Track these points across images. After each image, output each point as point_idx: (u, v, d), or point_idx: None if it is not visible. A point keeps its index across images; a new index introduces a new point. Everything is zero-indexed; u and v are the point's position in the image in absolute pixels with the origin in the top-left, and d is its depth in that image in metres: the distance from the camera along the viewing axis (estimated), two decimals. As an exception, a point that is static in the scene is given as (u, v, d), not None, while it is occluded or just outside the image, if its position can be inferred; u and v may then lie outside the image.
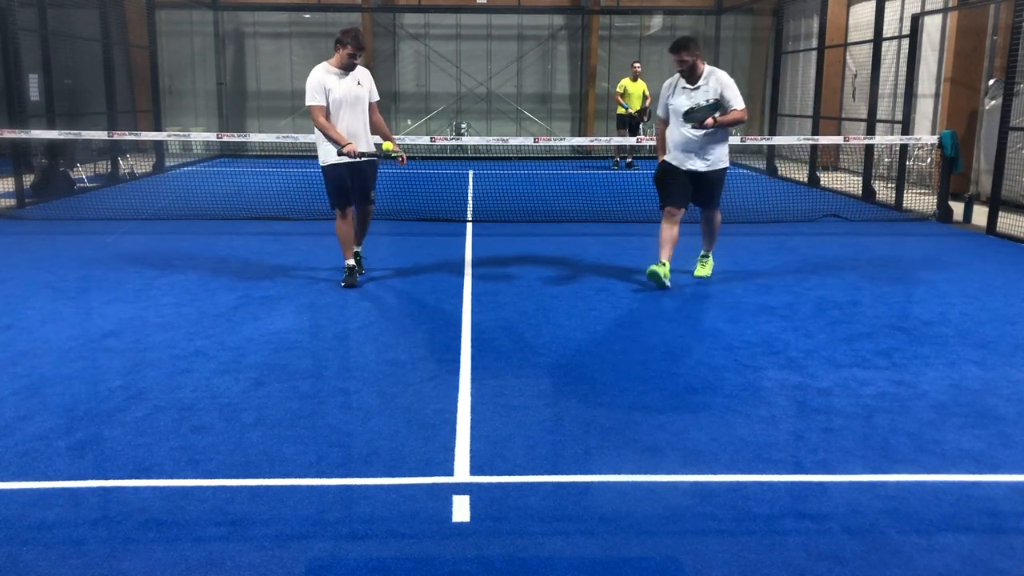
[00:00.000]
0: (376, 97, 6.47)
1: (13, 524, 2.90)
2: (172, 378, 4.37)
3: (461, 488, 3.20)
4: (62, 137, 10.42)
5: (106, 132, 10.46)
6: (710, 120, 6.10)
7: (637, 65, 16.11)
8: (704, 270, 6.89)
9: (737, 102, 6.22)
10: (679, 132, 6.32)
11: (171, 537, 2.82)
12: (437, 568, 2.66)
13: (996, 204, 9.17)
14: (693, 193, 6.48)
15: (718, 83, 6.22)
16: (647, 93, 15.84)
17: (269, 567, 2.65)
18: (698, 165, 6.37)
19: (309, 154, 17.20)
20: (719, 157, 6.39)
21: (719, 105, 6.13)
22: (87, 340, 5.04)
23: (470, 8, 18.12)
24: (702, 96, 6.21)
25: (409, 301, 6.09)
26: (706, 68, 6.28)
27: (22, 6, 11.16)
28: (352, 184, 6.32)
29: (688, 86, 6.30)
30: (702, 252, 6.97)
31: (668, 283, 6.35)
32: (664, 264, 6.39)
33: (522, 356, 4.80)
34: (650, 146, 17.64)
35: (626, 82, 15.94)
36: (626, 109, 15.80)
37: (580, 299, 6.13)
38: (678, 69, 6.25)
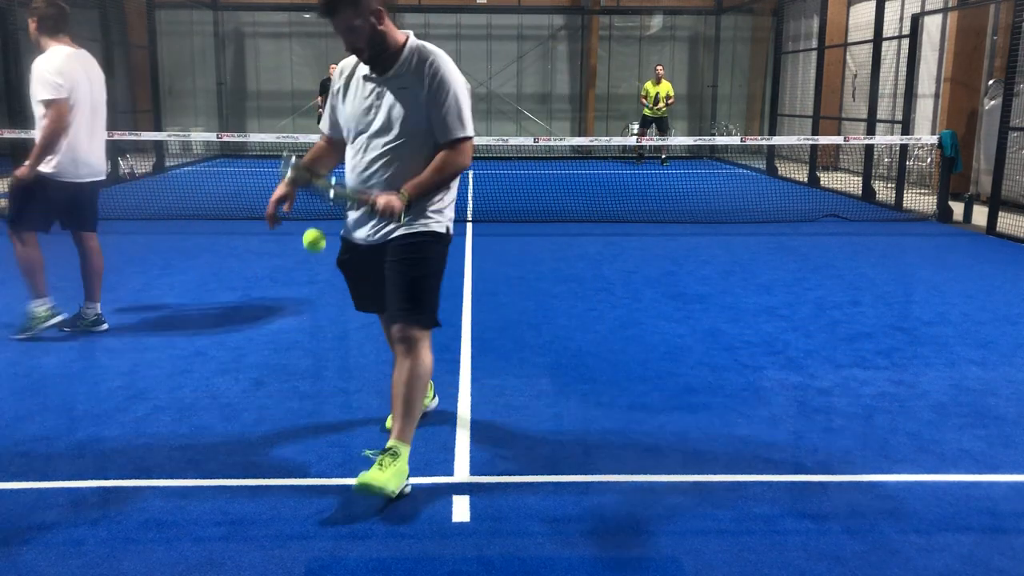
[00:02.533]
0: (38, 96, 4.86)
1: (13, 524, 2.90)
2: (172, 378, 4.37)
3: (461, 488, 3.20)
4: (62, 137, 10.39)
5: (106, 132, 10.43)
6: (380, 201, 3.01)
7: (660, 68, 16.51)
8: (382, 474, 3.02)
9: (453, 127, 3.08)
10: (350, 161, 3.27)
11: (171, 537, 2.82)
12: (437, 568, 2.66)
13: (996, 204, 9.17)
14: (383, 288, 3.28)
15: (433, 77, 3.07)
16: (670, 94, 16.32)
17: (269, 567, 2.65)
18: (368, 233, 3.25)
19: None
20: (415, 215, 3.17)
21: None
22: (87, 340, 5.03)
23: (470, 8, 18.12)
24: (395, 92, 3.11)
25: (409, 301, 6.07)
26: (410, 43, 3.13)
27: (22, 6, 11.16)
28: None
29: (373, 76, 3.16)
30: (391, 442, 3.17)
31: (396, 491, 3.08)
32: (393, 449, 3.16)
33: (522, 356, 4.80)
34: (679, 145, 17.88)
35: (648, 85, 16.46)
36: (650, 108, 16.39)
37: (580, 299, 6.13)
38: (347, 47, 3.11)
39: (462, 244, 8.29)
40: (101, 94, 5.18)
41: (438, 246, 3.24)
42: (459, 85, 3.10)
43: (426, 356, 3.27)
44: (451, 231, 3.31)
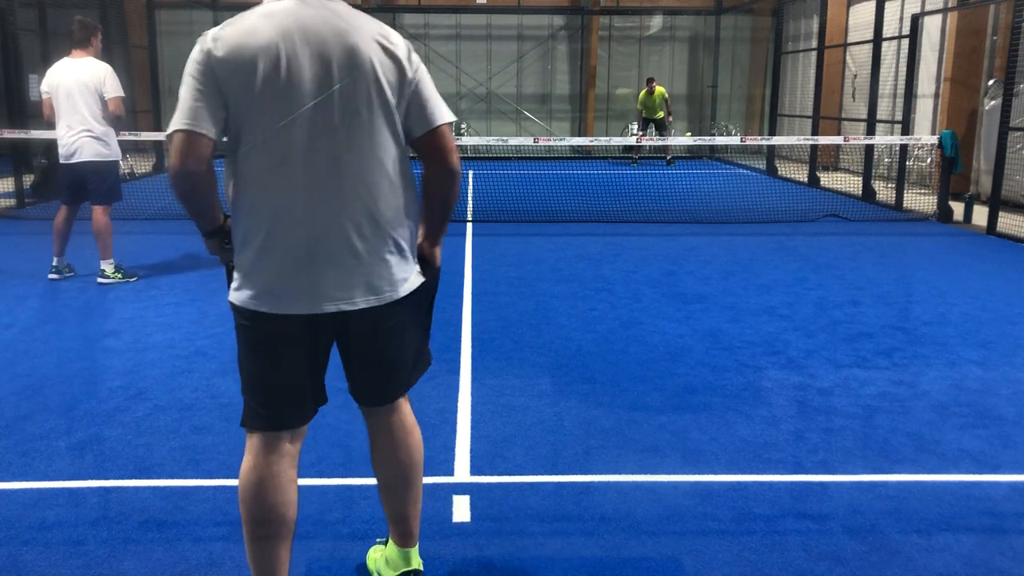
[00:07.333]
0: None
1: (13, 524, 2.90)
2: (172, 378, 4.37)
3: (461, 488, 3.20)
4: (62, 137, 10.39)
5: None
6: None
7: (653, 82, 16.30)
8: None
9: None
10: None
11: (171, 537, 2.82)
12: (437, 568, 2.65)
13: (996, 204, 9.17)
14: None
15: None
16: (666, 97, 16.25)
17: (269, 567, 2.65)
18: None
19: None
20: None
21: None
22: (87, 340, 5.03)
23: (470, 8, 18.12)
24: None
25: (409, 301, 6.07)
26: None
27: (22, 6, 11.15)
28: None
29: None
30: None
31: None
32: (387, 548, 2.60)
33: (522, 356, 4.80)
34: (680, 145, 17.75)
35: (643, 96, 16.31)
36: (648, 113, 16.35)
37: (580, 299, 6.13)
38: None
39: (462, 244, 8.29)
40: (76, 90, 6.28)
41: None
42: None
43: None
44: (244, 302, 2.16)
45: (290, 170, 2.08)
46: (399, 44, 2.16)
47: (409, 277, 2.28)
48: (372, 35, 2.12)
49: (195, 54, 2.09)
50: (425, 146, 2.23)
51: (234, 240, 2.18)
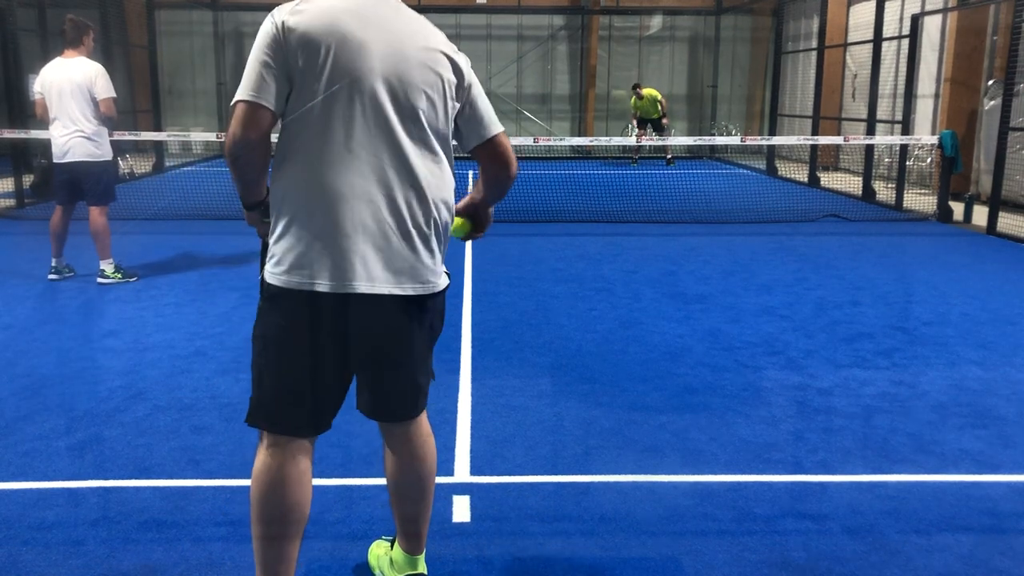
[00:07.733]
0: None
1: (13, 524, 2.90)
2: (172, 378, 4.37)
3: (461, 488, 3.20)
4: (62, 137, 10.38)
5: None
6: None
7: (639, 88, 16.12)
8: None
9: None
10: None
11: (171, 537, 2.82)
12: (437, 568, 2.65)
13: (996, 204, 9.17)
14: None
15: None
16: (660, 100, 16.07)
17: (269, 567, 2.65)
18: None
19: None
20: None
21: None
22: (87, 340, 5.03)
23: (470, 8, 18.12)
24: None
25: (409, 301, 6.07)
26: None
27: (22, 6, 11.16)
28: None
29: None
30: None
31: None
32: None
33: (522, 356, 4.80)
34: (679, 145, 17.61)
35: (633, 102, 16.17)
36: (645, 113, 16.21)
37: (580, 299, 6.13)
38: None
39: (462, 244, 8.29)
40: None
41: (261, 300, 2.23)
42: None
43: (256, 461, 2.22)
44: (285, 282, 2.11)
45: (350, 151, 2.10)
46: (460, 55, 2.28)
47: (443, 273, 2.31)
48: (439, 40, 2.24)
49: (267, 27, 2.10)
50: (484, 154, 2.33)
51: (279, 216, 2.15)
